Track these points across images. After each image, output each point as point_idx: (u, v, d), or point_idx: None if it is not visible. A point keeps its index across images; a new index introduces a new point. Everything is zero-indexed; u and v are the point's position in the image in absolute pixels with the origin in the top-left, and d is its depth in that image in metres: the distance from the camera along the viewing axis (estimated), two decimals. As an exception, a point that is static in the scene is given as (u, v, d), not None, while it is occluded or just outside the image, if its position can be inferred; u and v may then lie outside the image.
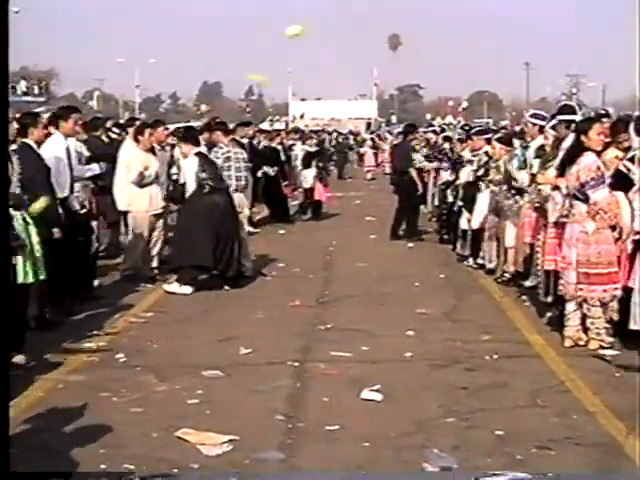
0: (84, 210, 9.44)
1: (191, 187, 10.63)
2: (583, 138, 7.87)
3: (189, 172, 10.65)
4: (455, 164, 14.18)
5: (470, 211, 12.23)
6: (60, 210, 8.60)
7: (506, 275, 11.13)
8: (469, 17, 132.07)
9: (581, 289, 7.73)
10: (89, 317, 9.02)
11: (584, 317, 7.84)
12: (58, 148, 9.15)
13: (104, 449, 5.31)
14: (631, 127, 8.36)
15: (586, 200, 7.71)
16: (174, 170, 11.19)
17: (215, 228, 10.54)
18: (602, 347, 7.71)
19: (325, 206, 20.11)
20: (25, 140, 8.31)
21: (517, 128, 14.42)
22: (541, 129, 10.20)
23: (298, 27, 20.05)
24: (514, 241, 10.78)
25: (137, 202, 10.98)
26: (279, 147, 20.05)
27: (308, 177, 19.27)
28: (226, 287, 10.58)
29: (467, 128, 15.59)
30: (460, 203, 12.95)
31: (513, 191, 10.64)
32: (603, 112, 10.80)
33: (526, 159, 10.21)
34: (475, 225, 12.01)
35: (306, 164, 19.40)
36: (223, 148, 12.20)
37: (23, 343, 7.11)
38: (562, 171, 8.16)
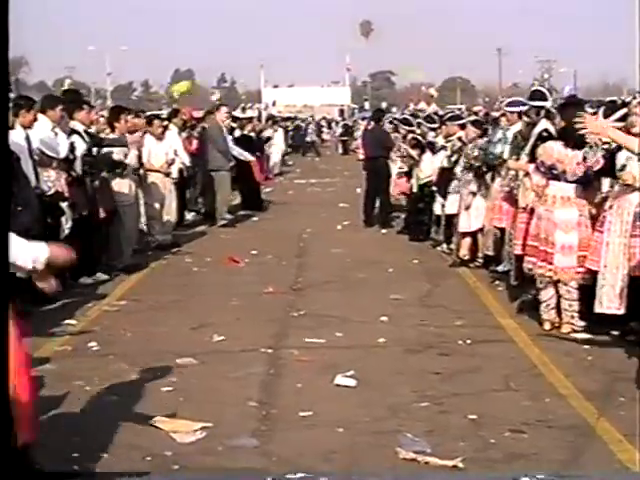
0: (53, 191, 9.32)
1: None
2: None
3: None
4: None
5: (444, 197, 12.26)
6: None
7: (479, 260, 11.21)
8: (441, 3, 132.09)
9: (579, 272, 7.77)
10: (61, 306, 8.95)
11: (558, 300, 7.90)
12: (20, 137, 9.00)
13: (77, 438, 5.28)
14: (600, 111, 8.44)
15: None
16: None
17: None
18: (574, 330, 7.78)
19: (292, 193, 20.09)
20: None
21: (495, 114, 14.35)
22: (519, 115, 10.17)
23: (185, 84, 20.06)
24: (467, 227, 11.03)
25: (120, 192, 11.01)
26: (252, 134, 20.03)
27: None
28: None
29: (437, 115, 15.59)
30: (434, 188, 12.99)
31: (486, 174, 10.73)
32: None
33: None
34: (449, 210, 12.06)
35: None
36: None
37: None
38: (533, 157, 8.21)
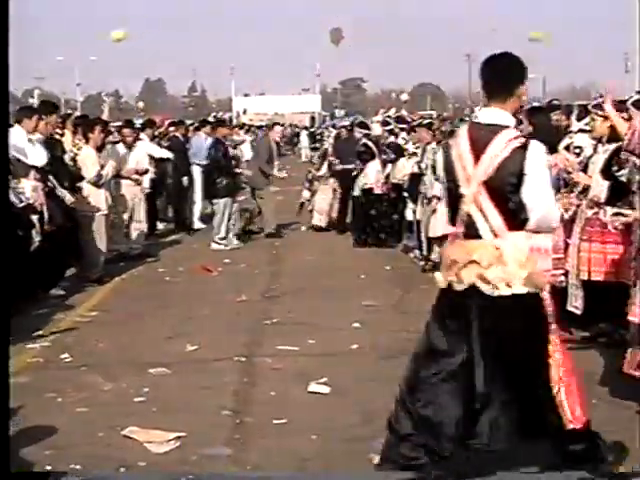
0: (24, 203, 9.26)
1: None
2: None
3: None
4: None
5: (415, 202, 12.31)
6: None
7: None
8: (411, 10, 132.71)
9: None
10: (33, 317, 8.90)
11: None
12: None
13: (50, 450, 5.25)
14: (574, 114, 8.53)
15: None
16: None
17: None
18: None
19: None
20: None
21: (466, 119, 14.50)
22: None
23: (121, 32, 20.21)
24: (435, 232, 11.08)
25: (96, 203, 10.95)
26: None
27: None
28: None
29: (402, 120, 15.65)
30: (405, 194, 13.04)
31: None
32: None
33: None
34: (420, 216, 12.09)
35: None
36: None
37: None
38: None
